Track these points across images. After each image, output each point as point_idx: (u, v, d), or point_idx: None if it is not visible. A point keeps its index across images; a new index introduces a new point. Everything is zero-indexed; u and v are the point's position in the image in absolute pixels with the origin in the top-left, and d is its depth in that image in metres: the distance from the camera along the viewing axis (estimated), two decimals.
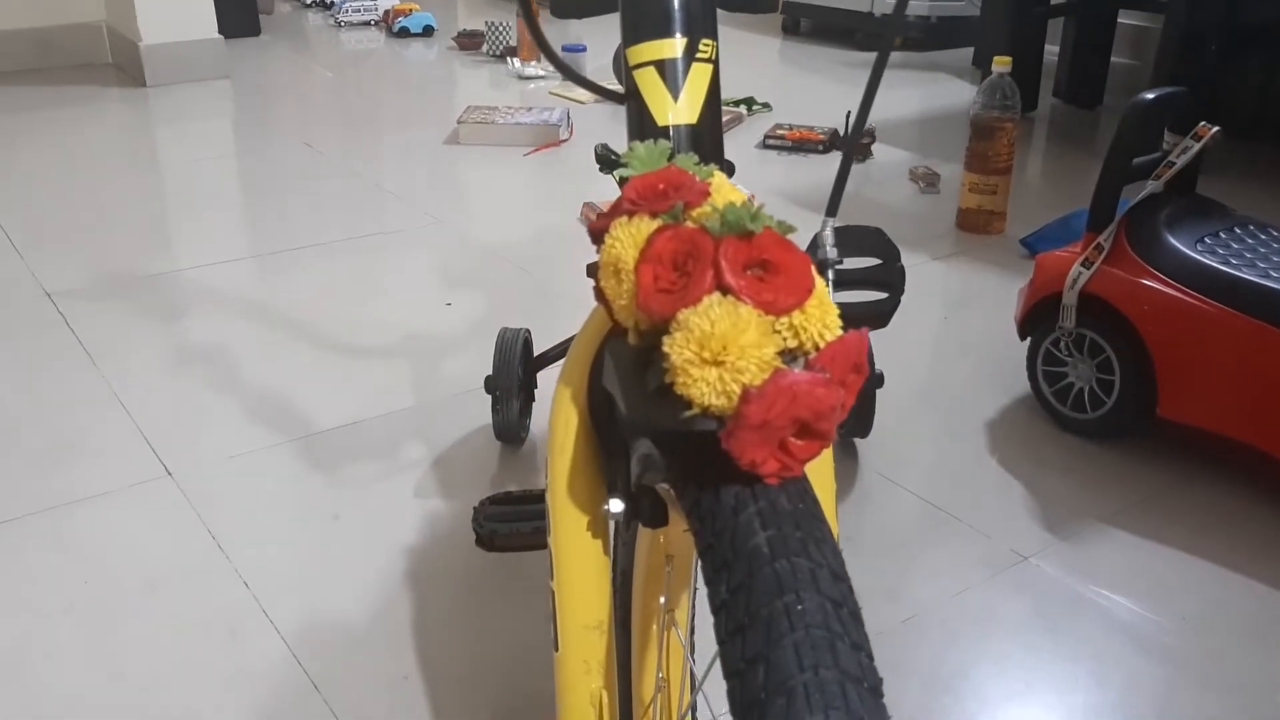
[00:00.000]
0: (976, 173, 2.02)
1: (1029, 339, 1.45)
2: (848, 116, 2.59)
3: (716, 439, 0.43)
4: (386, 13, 3.79)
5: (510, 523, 0.93)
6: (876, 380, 1.32)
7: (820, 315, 0.45)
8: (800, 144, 2.57)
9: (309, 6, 4.18)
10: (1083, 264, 1.35)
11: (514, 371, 1.30)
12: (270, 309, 1.72)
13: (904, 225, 2.11)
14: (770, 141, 2.59)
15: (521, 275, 1.86)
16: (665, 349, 0.44)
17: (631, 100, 0.57)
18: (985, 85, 1.99)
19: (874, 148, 2.53)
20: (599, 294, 0.49)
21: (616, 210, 0.48)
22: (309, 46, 3.63)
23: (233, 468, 1.29)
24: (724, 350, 0.43)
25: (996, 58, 1.96)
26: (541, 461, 1.32)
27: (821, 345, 0.45)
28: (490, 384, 1.30)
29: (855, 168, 2.46)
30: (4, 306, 1.71)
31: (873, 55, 3.56)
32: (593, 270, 1.35)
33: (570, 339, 1.33)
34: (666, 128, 0.56)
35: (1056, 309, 1.38)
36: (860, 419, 1.30)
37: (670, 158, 0.50)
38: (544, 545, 0.93)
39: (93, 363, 1.54)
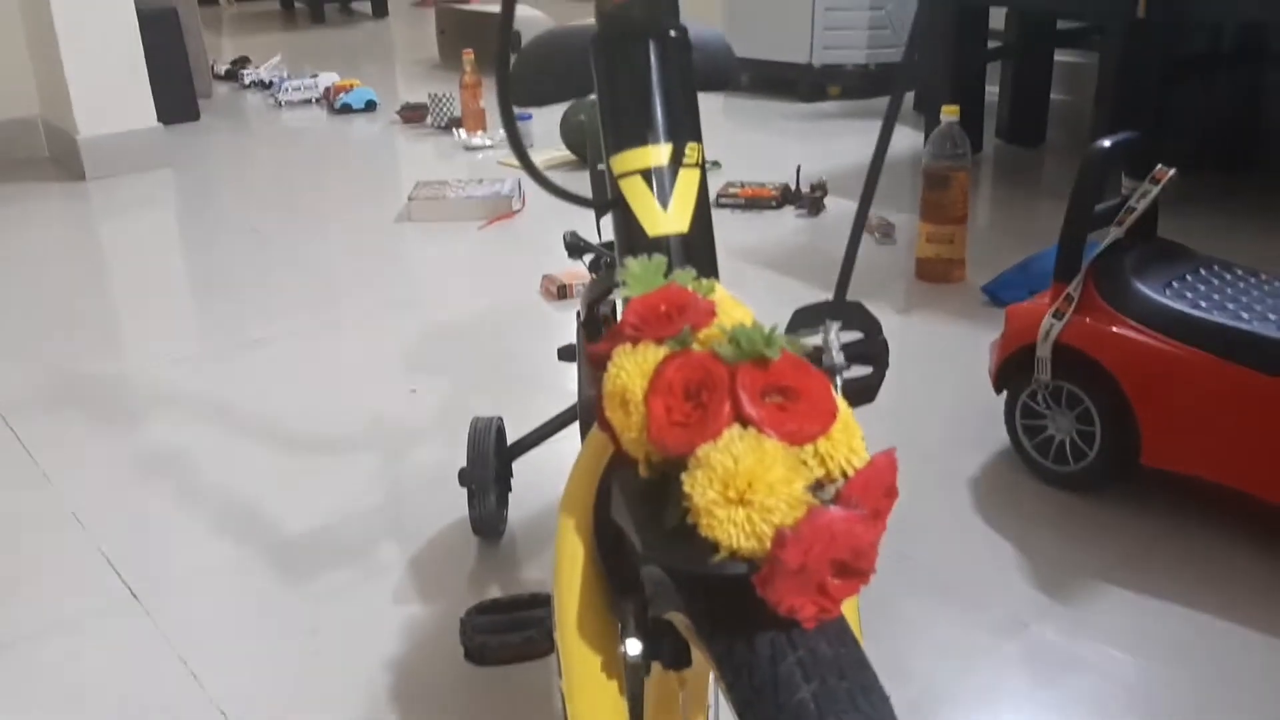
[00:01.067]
0: (932, 222, 2.02)
1: (1005, 392, 1.44)
2: (798, 171, 2.61)
3: (748, 583, 0.40)
4: (327, 90, 3.77)
5: (500, 634, 0.89)
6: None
7: (846, 440, 0.43)
8: (753, 201, 2.57)
9: (247, 87, 4.15)
10: (1054, 315, 1.35)
11: (489, 463, 1.26)
12: (227, 407, 1.66)
13: (863, 278, 2.11)
14: (724, 200, 2.59)
15: (485, 355, 1.83)
16: (686, 488, 0.41)
17: (618, 210, 0.55)
18: (935, 135, 2.00)
19: (825, 200, 2.54)
20: (604, 423, 0.46)
21: (618, 336, 0.46)
22: (250, 128, 3.59)
23: (201, 585, 1.24)
24: (750, 489, 0.40)
25: (944, 107, 1.98)
26: (522, 557, 1.28)
27: (850, 472, 0.42)
28: (465, 477, 1.26)
29: (808, 222, 2.47)
30: None
31: (814, 105, 3.60)
32: (565, 354, 1.32)
33: (544, 425, 1.31)
34: (658, 238, 0.53)
35: (1030, 361, 1.37)
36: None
37: (666, 273, 0.48)
38: (537, 656, 0.90)
39: (47, 479, 1.47)
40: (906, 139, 3.09)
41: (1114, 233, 1.36)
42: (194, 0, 3.81)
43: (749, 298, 2.14)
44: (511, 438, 1.34)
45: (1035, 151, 2.96)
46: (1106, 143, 1.34)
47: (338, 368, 1.81)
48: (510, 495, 1.34)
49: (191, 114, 3.58)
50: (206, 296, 2.18)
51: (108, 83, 2.94)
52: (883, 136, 0.54)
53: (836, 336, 0.63)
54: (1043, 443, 1.39)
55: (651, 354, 0.44)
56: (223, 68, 4.28)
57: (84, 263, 2.39)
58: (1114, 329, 1.30)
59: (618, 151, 0.54)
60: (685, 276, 0.47)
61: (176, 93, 3.45)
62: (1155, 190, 1.36)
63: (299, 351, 1.87)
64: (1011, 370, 1.41)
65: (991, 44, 2.89)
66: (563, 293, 2.06)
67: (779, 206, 2.56)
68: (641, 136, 0.54)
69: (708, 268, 0.56)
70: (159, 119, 3.07)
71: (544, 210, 2.58)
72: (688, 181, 0.53)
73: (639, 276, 0.47)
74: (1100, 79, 2.39)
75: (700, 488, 0.41)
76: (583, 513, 0.51)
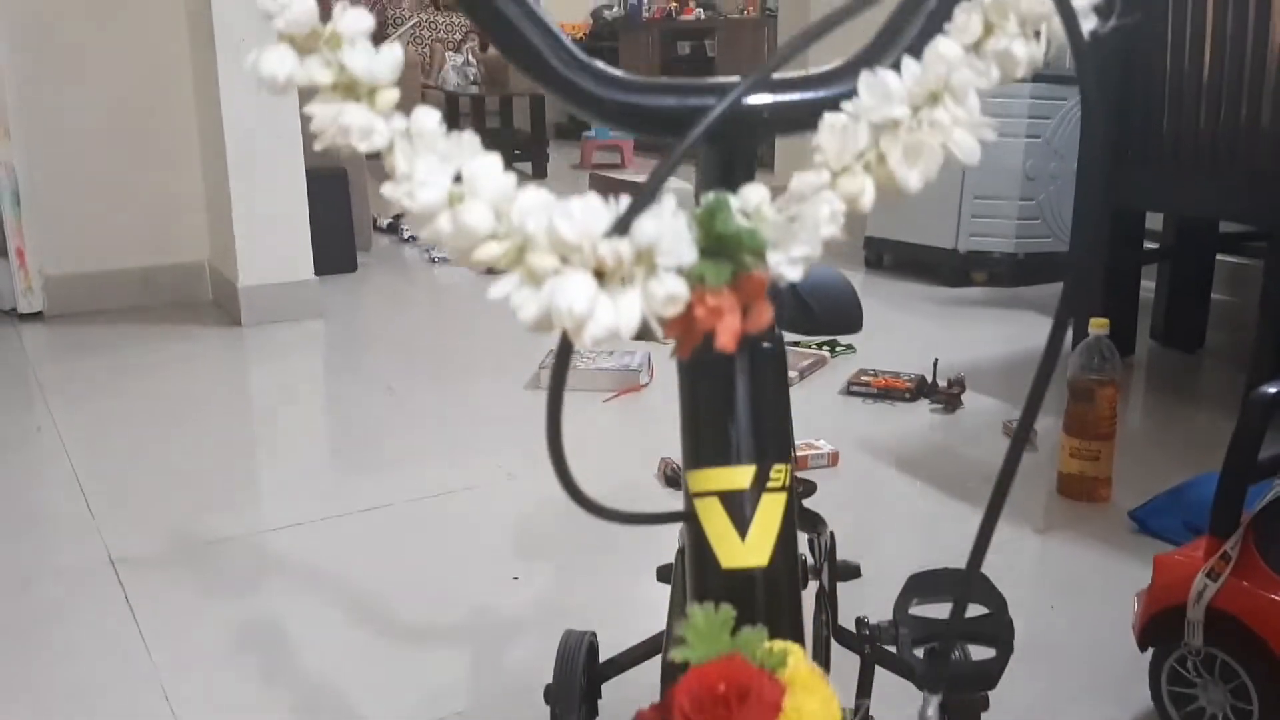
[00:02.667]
0: (1077, 437, 1.90)
1: (1150, 650, 1.30)
2: (934, 364, 2.52)
3: None
4: None
5: None
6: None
7: None
8: (886, 391, 2.49)
9: (406, 241, 4.35)
10: (1208, 574, 1.22)
11: (576, 682, 1.19)
12: (331, 580, 1.65)
13: None
14: (855, 388, 2.52)
15: (593, 544, 1.78)
16: None
17: (691, 526, 0.50)
18: (1082, 346, 1.90)
19: (963, 396, 2.44)
20: None
21: (668, 713, 0.40)
22: (402, 283, 3.74)
23: None
24: None
25: (1093, 320, 1.88)
26: None
27: None
28: (549, 695, 1.19)
29: (943, 419, 2.37)
30: (67, 576, 1.68)
31: (957, 290, 3.52)
32: (663, 575, 1.25)
33: (636, 647, 1.24)
34: (732, 571, 0.48)
35: (1180, 622, 1.24)
36: None
37: (735, 629, 0.42)
38: None
39: (147, 652, 1.47)
40: None
41: (1278, 486, 1.24)
42: (363, 160, 4.04)
43: (874, 500, 2.05)
44: (606, 650, 1.28)
45: (1193, 356, 2.80)
46: (1271, 389, 1.23)
47: (446, 542, 1.79)
48: (598, 717, 1.26)
49: (349, 266, 3.75)
50: (332, 455, 2.21)
51: (271, 237, 3.11)
52: (1037, 385, 0.47)
53: (935, 712, 0.55)
54: (1193, 714, 1.24)
55: None
56: (385, 221, 4.51)
57: (226, 411, 2.47)
58: (1276, 597, 1.16)
59: (695, 468, 0.50)
60: (756, 640, 0.42)
61: (338, 246, 3.63)
62: None
63: (411, 521, 1.87)
64: (1159, 629, 1.28)
65: (1149, 244, 2.79)
66: (675, 481, 2.01)
67: (913, 399, 2.47)
68: (723, 455, 0.49)
69: (788, 611, 0.50)
70: (318, 270, 3.22)
71: (671, 385, 2.55)
72: (771, 508, 0.48)
73: (702, 633, 0.42)
74: (1265, 292, 2.26)
75: None
76: None
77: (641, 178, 4.57)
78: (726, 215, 0.35)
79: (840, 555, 1.21)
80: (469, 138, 0.40)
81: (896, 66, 0.46)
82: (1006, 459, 0.47)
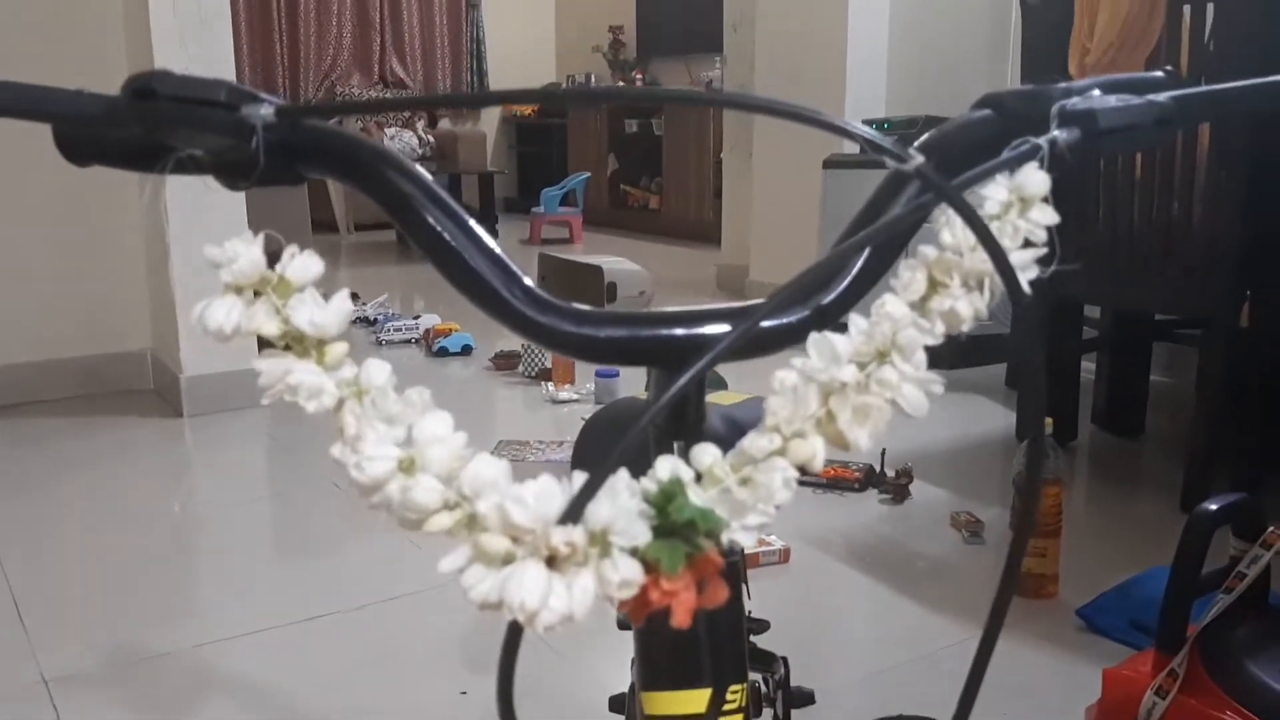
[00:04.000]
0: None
1: None
2: (882, 454, 2.54)
3: None
4: (426, 332, 3.89)
5: None
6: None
7: None
8: (835, 481, 2.50)
9: (353, 323, 4.31)
10: (1156, 692, 1.23)
11: None
12: (271, 699, 1.61)
13: (949, 583, 2.00)
14: (803, 478, 2.51)
15: (544, 660, 1.75)
16: None
17: None
18: (1026, 446, 1.93)
19: (911, 487, 2.46)
20: None
21: None
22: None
23: None
24: None
25: None
26: None
27: None
28: None
29: (892, 510, 2.38)
30: None
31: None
32: (615, 706, 1.23)
33: None
34: None
35: None
36: None
37: None
38: None
39: None
40: (999, 419, 3.02)
41: (1222, 600, 1.25)
42: (309, 237, 4.03)
43: (825, 599, 2.05)
44: None
45: (1135, 441, 2.85)
46: (1212, 505, 1.25)
47: (392, 653, 1.75)
48: None
49: None
50: (272, 560, 2.16)
51: None
52: (996, 610, 0.47)
53: None
54: None
55: None
56: None
57: (163, 510, 2.42)
58: (1226, 716, 1.17)
59: (651, 689, 0.49)
60: None
61: None
62: (1267, 556, 1.26)
63: (356, 630, 1.82)
64: None
65: (1089, 332, 2.85)
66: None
67: (862, 489, 2.49)
68: (680, 678, 0.48)
69: None
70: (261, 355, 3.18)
71: None
72: None
73: None
74: (1200, 382, 2.31)
75: None
76: None
77: (589, 259, 4.60)
78: (682, 501, 0.35)
79: (794, 660, 1.20)
80: (419, 396, 0.40)
81: (839, 300, 0.47)
82: (990, 618, 0.47)
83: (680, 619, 0.35)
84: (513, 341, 3.86)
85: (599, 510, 0.35)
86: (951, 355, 3.42)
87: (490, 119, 8.79)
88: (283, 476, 2.66)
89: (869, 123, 3.79)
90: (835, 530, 2.26)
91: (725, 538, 0.36)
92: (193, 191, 2.93)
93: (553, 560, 0.35)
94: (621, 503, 0.35)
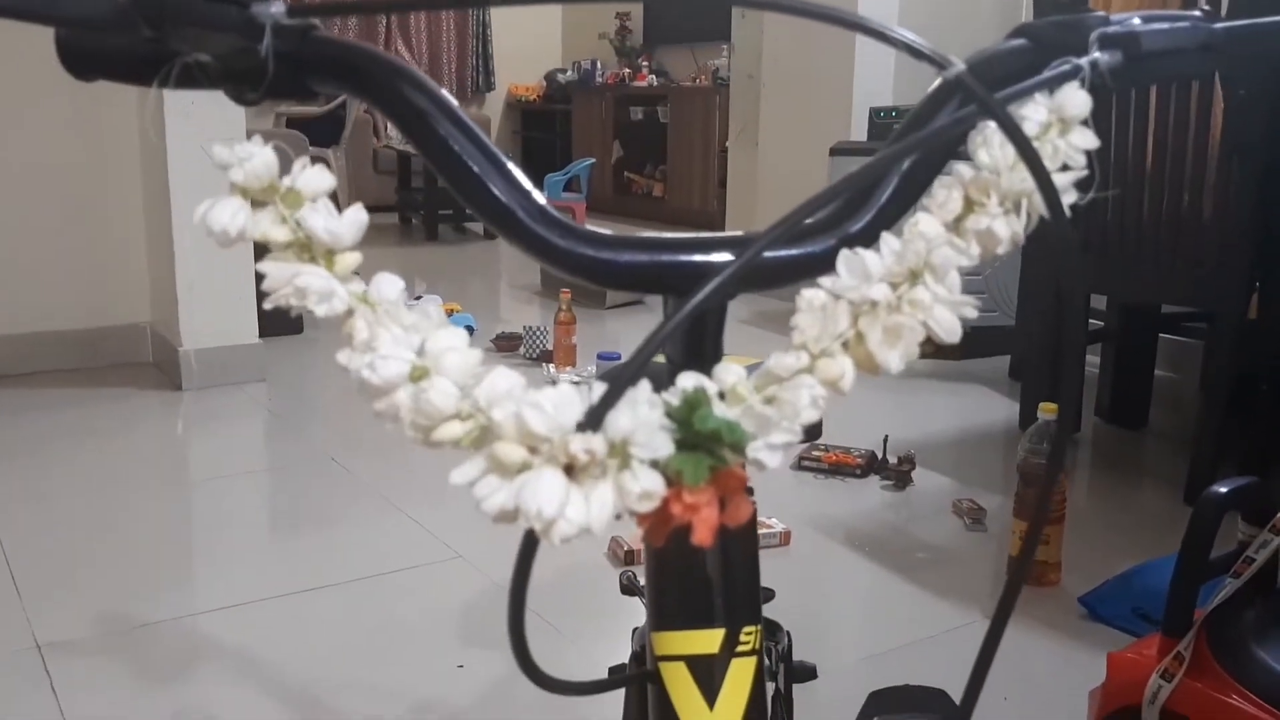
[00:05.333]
0: (1027, 520, 1.91)
1: None
2: (885, 441, 2.53)
3: None
4: None
5: None
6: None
7: None
8: (837, 467, 2.49)
9: None
10: (1161, 675, 1.21)
11: None
12: (267, 670, 1.59)
13: (950, 569, 1.99)
14: (806, 463, 2.51)
15: (542, 633, 1.74)
16: None
17: (655, 691, 0.47)
18: (1032, 430, 1.91)
19: (913, 474, 2.44)
20: None
21: None
22: None
23: None
24: None
25: (1042, 405, 1.90)
26: None
27: None
28: None
29: (894, 496, 2.37)
30: None
31: (911, 363, 3.54)
32: (627, 588, 1.19)
33: None
34: None
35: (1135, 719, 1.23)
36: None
37: None
38: None
39: None
40: (1001, 409, 3.00)
41: (1230, 584, 1.24)
42: None
43: (827, 582, 2.04)
44: None
45: (1138, 434, 2.84)
46: (1222, 488, 1.23)
47: (388, 626, 1.73)
48: None
49: (295, 328, 3.69)
50: (271, 531, 2.15)
51: (216, 301, 3.05)
52: (998, 619, 0.45)
53: None
54: None
55: None
56: None
57: (164, 482, 2.40)
58: (1232, 700, 1.16)
59: (661, 629, 0.48)
60: None
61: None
62: (1276, 541, 1.25)
63: (352, 603, 1.81)
64: None
65: (1094, 323, 2.83)
66: (629, 558, 1.98)
67: (864, 475, 2.47)
68: (692, 617, 0.47)
69: None
70: (263, 332, 3.16)
71: None
72: (742, 673, 0.46)
73: None
74: (1205, 374, 2.30)
75: None
76: None
77: None
78: (706, 411, 0.33)
79: (795, 639, 1.19)
80: (434, 310, 0.38)
81: (871, 228, 0.45)
82: (999, 606, 0.45)
83: (701, 536, 0.34)
84: (514, 323, 3.85)
85: (619, 420, 0.33)
86: (956, 346, 3.41)
87: (495, 104, 8.76)
88: (281, 450, 2.64)
89: (876, 110, 3.77)
90: (837, 515, 2.24)
91: (750, 453, 0.35)
92: (197, 161, 2.91)
93: (571, 471, 0.33)
94: (642, 414, 0.33)
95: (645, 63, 7.98)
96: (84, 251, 3.24)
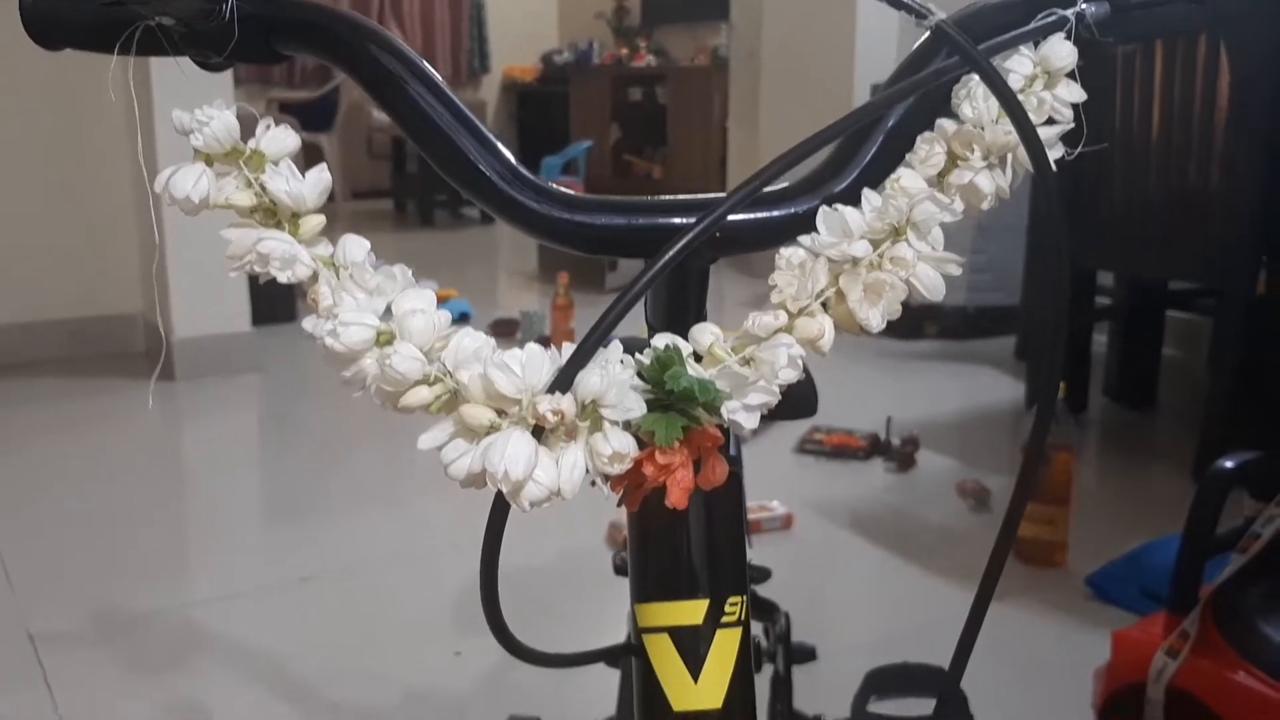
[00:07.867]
0: (1033, 502, 1.89)
1: None
2: (888, 422, 2.51)
3: None
4: None
5: None
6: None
7: None
8: (839, 450, 2.47)
9: None
10: (1167, 652, 1.20)
11: None
12: (262, 660, 1.59)
13: (955, 551, 1.97)
14: (808, 446, 2.50)
15: (540, 620, 1.72)
16: None
17: (639, 664, 0.46)
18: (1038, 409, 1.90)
19: (917, 456, 2.43)
20: None
21: None
22: None
23: None
24: None
25: None
26: None
27: None
28: None
29: (898, 478, 2.36)
30: None
31: (909, 343, 3.54)
32: (621, 568, 1.18)
33: None
34: (683, 714, 0.45)
35: (1140, 699, 1.22)
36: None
37: None
38: None
39: None
40: (1007, 390, 2.99)
41: (1236, 560, 1.23)
42: None
43: (829, 565, 2.02)
44: None
45: (1144, 413, 2.82)
46: (1228, 463, 1.22)
47: (385, 615, 1.73)
48: None
49: (288, 315, 3.65)
50: (266, 521, 2.14)
51: (207, 290, 3.01)
52: (1008, 522, 0.44)
53: None
54: None
55: None
56: None
57: (157, 473, 2.40)
58: (1237, 676, 1.15)
59: (644, 601, 0.47)
60: None
61: (276, 294, 3.53)
62: None
63: (348, 592, 1.80)
64: (1118, 707, 1.26)
65: (1101, 300, 2.81)
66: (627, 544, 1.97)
67: (867, 458, 2.46)
68: (674, 588, 0.46)
69: None
70: (255, 320, 3.13)
71: None
72: (726, 645, 0.45)
73: None
74: (1213, 352, 2.28)
75: None
76: None
77: None
78: (679, 370, 0.32)
79: (796, 622, 1.18)
80: (400, 270, 0.37)
81: (855, 187, 0.43)
82: (986, 573, 0.44)
83: (676, 498, 0.32)
84: (511, 309, 3.83)
85: (589, 380, 0.32)
86: (960, 325, 3.39)
87: (491, 87, 8.71)
88: (275, 439, 2.63)
89: (878, 87, 3.74)
90: (840, 498, 2.23)
91: (726, 413, 0.33)
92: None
93: (541, 434, 0.32)
94: (613, 373, 0.32)
95: (643, 43, 7.92)
96: (74, 241, 3.21)
